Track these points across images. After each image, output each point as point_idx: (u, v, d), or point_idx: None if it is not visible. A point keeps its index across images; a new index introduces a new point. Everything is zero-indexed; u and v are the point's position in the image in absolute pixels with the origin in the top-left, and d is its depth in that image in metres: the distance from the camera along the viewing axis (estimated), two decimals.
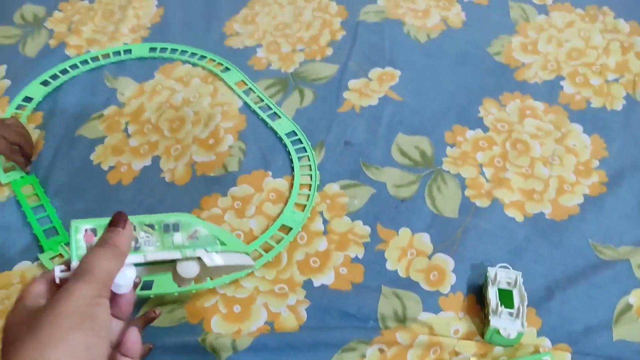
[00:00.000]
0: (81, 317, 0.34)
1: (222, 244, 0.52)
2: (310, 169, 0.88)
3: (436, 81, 1.00)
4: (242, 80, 1.01)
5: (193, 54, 1.07)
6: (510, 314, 0.69)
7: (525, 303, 0.69)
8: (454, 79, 1.00)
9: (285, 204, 0.84)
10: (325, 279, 0.76)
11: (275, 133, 0.93)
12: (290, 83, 1.00)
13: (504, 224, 0.81)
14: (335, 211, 0.83)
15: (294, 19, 1.12)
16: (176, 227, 0.49)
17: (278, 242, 0.79)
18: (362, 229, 0.81)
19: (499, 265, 0.74)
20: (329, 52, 1.06)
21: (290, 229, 0.81)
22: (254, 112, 0.96)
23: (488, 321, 0.69)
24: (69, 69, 1.05)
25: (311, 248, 0.79)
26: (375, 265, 0.77)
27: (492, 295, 0.70)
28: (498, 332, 0.67)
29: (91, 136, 0.94)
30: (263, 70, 1.03)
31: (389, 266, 0.77)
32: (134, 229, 0.47)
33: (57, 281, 0.42)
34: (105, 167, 0.90)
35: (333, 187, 0.86)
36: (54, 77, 1.03)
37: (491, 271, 0.72)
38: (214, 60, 1.05)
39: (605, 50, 1.02)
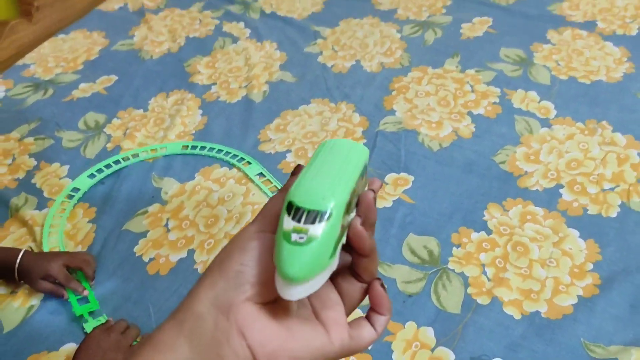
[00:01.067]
0: (237, 249, 0.35)
1: None
2: None
3: (446, 186, 1.11)
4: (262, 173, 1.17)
5: (219, 150, 1.22)
6: None
7: None
8: (462, 185, 1.11)
9: None
10: None
11: None
12: None
13: (502, 320, 0.88)
14: None
15: (321, 127, 1.26)
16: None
17: None
18: None
19: (494, 359, 0.81)
20: None
21: None
22: None
23: None
24: (112, 164, 1.21)
25: None
26: (383, 355, 0.85)
27: None
28: None
29: (135, 230, 1.07)
30: None
31: (395, 357, 0.85)
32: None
33: None
34: (146, 258, 1.02)
35: None
36: (100, 171, 1.20)
37: None
38: (237, 155, 1.20)
39: (603, 161, 1.12)
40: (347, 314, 0.38)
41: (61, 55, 1.57)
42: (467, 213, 1.05)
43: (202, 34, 1.61)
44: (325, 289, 0.38)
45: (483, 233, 1.01)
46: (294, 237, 0.31)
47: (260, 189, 1.13)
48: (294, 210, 0.32)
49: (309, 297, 0.37)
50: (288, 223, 0.32)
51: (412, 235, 1.02)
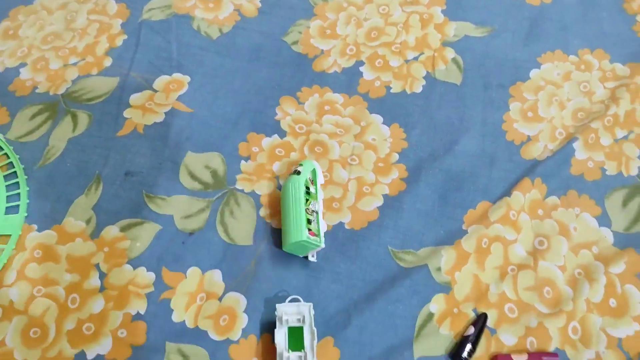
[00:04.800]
0: None
1: None
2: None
3: (229, 83, 0.90)
4: None
5: None
6: (300, 358, 0.63)
7: (315, 341, 0.64)
8: (248, 78, 0.91)
9: None
10: (100, 348, 0.67)
11: None
12: (61, 107, 0.87)
13: None
14: (114, 260, 0.73)
15: (66, 26, 0.97)
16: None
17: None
18: (145, 277, 0.72)
19: (290, 298, 0.67)
20: (108, 62, 0.93)
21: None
22: None
23: None
24: None
25: (84, 312, 0.69)
26: (159, 319, 0.69)
27: (281, 338, 0.64)
28: None
29: None
30: (27, 95, 0.89)
31: (175, 318, 0.69)
32: None
33: None
34: None
35: (112, 231, 0.75)
36: None
37: (279, 309, 0.65)
38: None
39: (405, 25, 0.97)
40: None
41: None
42: (256, 114, 0.87)
43: None
44: None
45: (276, 137, 0.84)
46: None
47: None
48: None
49: None
50: None
51: (190, 154, 0.82)
